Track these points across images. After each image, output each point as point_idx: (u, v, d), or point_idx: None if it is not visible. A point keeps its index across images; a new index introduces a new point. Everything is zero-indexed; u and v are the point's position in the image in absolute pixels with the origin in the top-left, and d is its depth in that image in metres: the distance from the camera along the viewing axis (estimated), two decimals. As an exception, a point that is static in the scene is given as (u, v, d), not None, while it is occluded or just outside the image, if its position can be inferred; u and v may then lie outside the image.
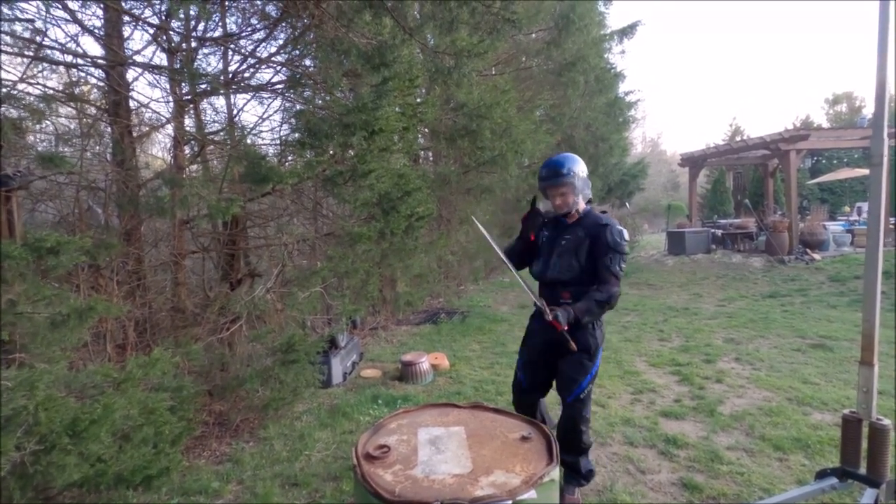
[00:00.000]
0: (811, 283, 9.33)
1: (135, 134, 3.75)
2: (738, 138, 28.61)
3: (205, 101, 4.14)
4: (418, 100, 4.06)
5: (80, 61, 3.05)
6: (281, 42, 4.06)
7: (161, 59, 4.02)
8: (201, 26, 3.99)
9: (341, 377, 4.97)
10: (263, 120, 3.82)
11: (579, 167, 2.49)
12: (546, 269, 2.50)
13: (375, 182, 3.30)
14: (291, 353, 3.04)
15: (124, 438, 1.98)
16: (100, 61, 3.32)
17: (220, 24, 3.91)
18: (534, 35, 8.44)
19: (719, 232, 13.73)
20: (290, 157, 3.95)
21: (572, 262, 2.43)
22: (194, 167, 4.14)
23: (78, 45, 3.39)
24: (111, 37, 3.54)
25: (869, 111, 31.48)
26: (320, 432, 3.74)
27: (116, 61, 3.07)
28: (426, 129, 6.69)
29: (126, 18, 3.58)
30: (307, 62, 3.58)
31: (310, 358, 3.40)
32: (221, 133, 3.25)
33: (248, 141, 3.34)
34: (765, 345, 5.76)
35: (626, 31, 10.08)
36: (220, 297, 3.98)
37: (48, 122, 3.56)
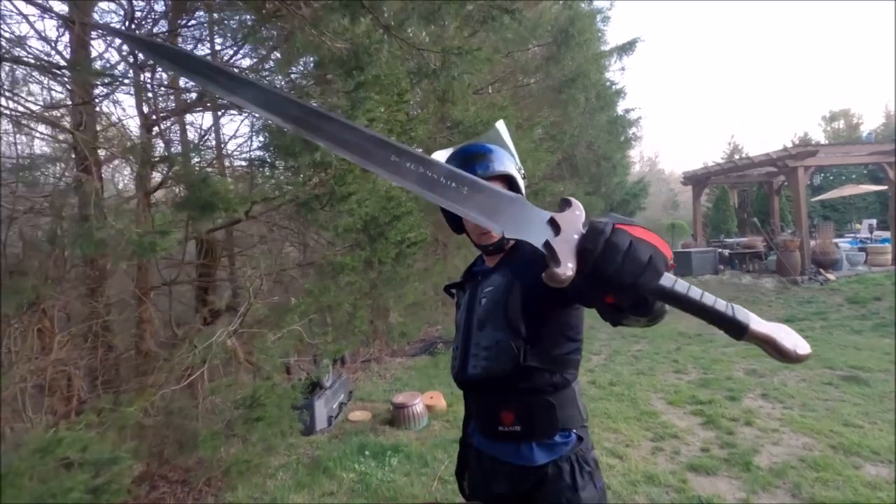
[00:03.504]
0: (829, 305, 8.85)
1: (91, 158, 3.35)
2: (736, 156, 28.50)
3: (171, 119, 3.76)
4: (408, 115, 3.68)
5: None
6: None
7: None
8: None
9: (326, 422, 4.47)
10: (230, 139, 3.42)
11: (515, 161, 1.38)
12: (465, 363, 1.28)
13: (357, 206, 2.88)
14: (256, 409, 2.57)
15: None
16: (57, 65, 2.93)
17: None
18: (531, 51, 8.17)
19: (726, 251, 13.30)
20: (265, 179, 3.54)
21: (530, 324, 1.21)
22: (160, 193, 3.73)
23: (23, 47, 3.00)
24: (77, 50, 3.15)
25: (867, 127, 31.50)
26: (296, 495, 3.24)
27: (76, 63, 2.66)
28: (418, 149, 6.33)
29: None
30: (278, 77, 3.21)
31: (282, 412, 2.93)
32: (177, 155, 2.84)
33: (206, 161, 2.92)
34: (791, 377, 5.26)
35: (626, 48, 9.83)
36: (190, 336, 3.52)
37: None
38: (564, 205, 0.76)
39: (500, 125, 1.43)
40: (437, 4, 2.01)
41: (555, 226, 0.73)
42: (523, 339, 1.20)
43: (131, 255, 2.08)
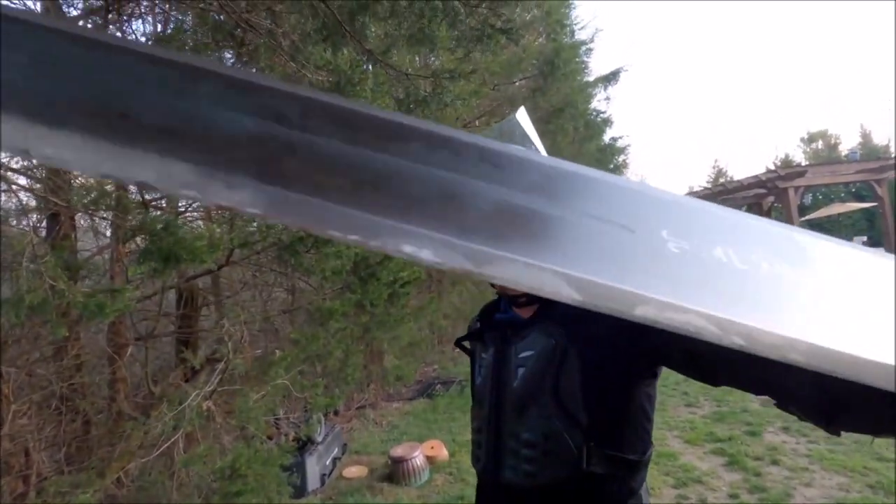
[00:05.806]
0: (833, 326, 8.67)
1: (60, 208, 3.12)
2: (721, 179, 28.93)
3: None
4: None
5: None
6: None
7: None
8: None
9: (318, 481, 4.10)
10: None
11: None
12: (499, 460, 0.94)
13: (345, 248, 2.67)
14: (236, 482, 2.26)
15: None
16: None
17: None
18: (517, 84, 8.20)
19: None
20: (246, 222, 3.32)
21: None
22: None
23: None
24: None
25: (845, 147, 32.33)
26: (285, 574, 2.89)
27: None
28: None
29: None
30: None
31: (267, 478, 2.62)
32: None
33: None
34: (810, 406, 4.99)
35: (610, 78, 9.94)
36: (168, 394, 3.22)
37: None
38: None
39: (522, 114, 1.09)
40: (425, 24, 1.85)
41: None
42: (583, 431, 0.85)
43: (76, 321, 1.83)
